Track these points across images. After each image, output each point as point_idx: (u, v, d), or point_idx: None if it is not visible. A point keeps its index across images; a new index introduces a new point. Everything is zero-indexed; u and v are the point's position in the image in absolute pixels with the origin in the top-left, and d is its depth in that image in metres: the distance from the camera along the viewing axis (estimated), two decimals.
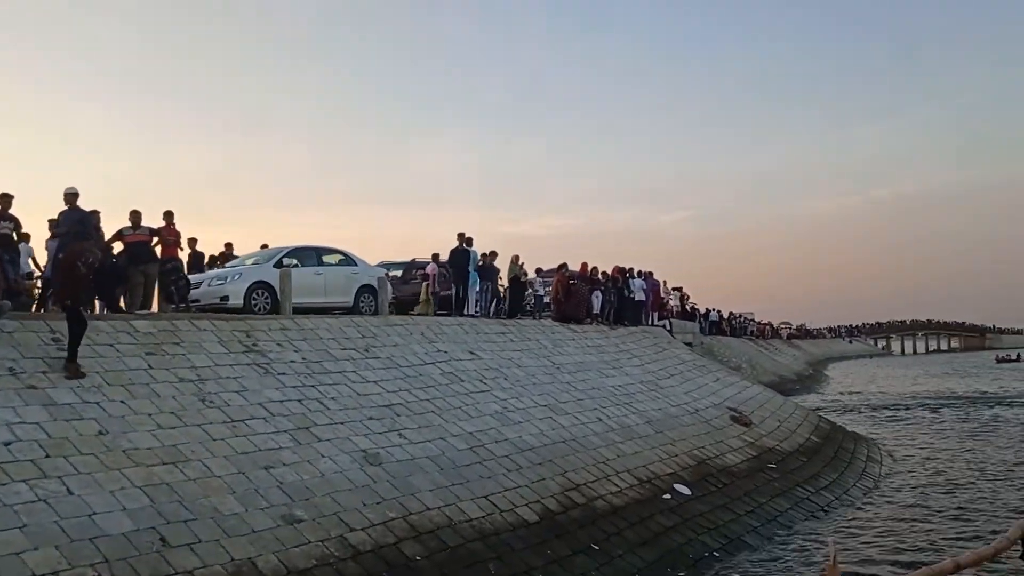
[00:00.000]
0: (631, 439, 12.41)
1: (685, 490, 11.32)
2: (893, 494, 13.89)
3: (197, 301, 12.73)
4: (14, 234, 10.57)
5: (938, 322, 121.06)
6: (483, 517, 8.70)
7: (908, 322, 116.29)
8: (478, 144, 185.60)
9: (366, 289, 14.63)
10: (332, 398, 9.88)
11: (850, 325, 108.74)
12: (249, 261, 13.92)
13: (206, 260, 14.81)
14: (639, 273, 22.53)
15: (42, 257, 11.79)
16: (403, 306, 16.97)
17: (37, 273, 11.77)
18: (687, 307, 35.92)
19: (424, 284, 17.35)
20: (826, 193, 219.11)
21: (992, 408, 27.85)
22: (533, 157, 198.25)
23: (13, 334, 8.41)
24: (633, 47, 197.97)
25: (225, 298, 12.72)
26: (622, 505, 10.21)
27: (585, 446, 11.50)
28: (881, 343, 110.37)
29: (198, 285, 12.98)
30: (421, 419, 10.31)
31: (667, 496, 10.94)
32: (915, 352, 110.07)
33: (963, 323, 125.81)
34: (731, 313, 50.40)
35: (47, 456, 6.87)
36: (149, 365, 8.90)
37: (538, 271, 19.47)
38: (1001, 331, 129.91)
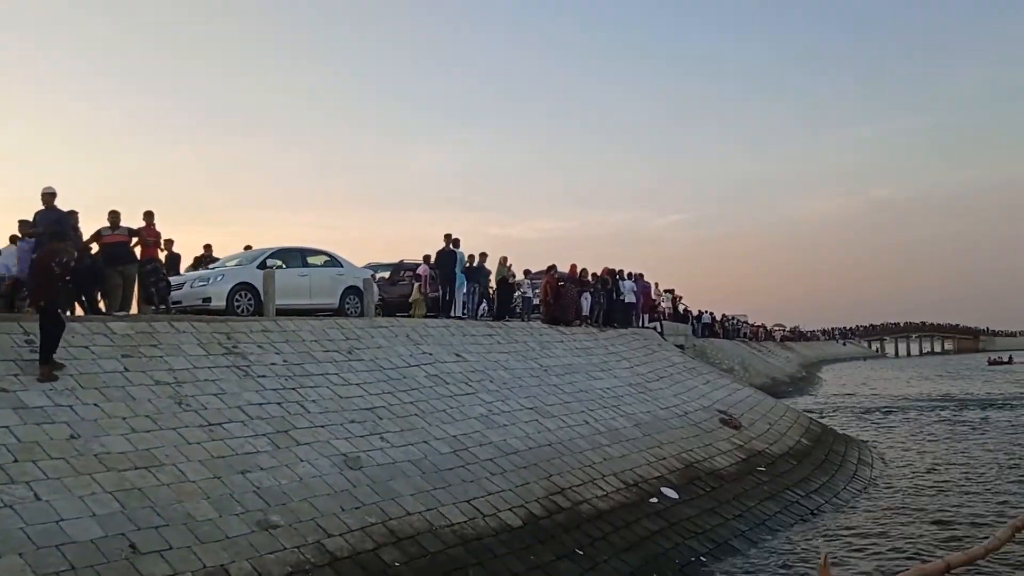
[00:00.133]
0: (618, 442, 12.28)
1: (672, 494, 11.20)
2: (884, 497, 13.80)
3: (179, 303, 12.57)
4: None
5: (932, 324, 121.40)
6: (465, 522, 8.56)
7: (902, 324, 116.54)
8: (471, 146, 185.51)
9: (352, 291, 14.48)
10: (313, 401, 9.73)
11: (844, 327, 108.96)
12: (232, 262, 13.75)
13: (191, 262, 14.64)
14: (629, 275, 22.40)
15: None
16: (391, 308, 16.83)
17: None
18: (679, 309, 35.84)
19: (416, 285, 17.21)
20: (821, 195, 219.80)
21: (983, 410, 27.83)
22: (526, 160, 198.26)
23: None
24: (628, 50, 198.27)
25: (207, 300, 12.55)
26: (608, 509, 10.08)
27: (571, 449, 11.37)
28: (875, 345, 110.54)
29: (180, 286, 12.82)
30: (404, 422, 10.17)
31: (654, 500, 10.82)
32: (909, 354, 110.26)
33: (957, 325, 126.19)
34: (724, 315, 50.34)
35: (15, 460, 6.71)
36: (125, 367, 8.74)
37: (526, 273, 19.33)
38: (995, 333, 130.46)
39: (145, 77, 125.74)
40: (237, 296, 12.69)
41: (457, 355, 13.08)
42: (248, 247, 15.10)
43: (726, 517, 11.04)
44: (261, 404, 9.16)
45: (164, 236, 12.69)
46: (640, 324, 22.63)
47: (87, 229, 11.37)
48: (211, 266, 14.09)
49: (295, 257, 14.22)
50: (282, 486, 7.86)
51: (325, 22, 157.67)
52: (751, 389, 20.95)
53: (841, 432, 20.02)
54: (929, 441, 20.57)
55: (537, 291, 19.16)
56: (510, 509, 9.16)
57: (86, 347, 8.82)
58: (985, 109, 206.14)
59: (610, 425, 12.87)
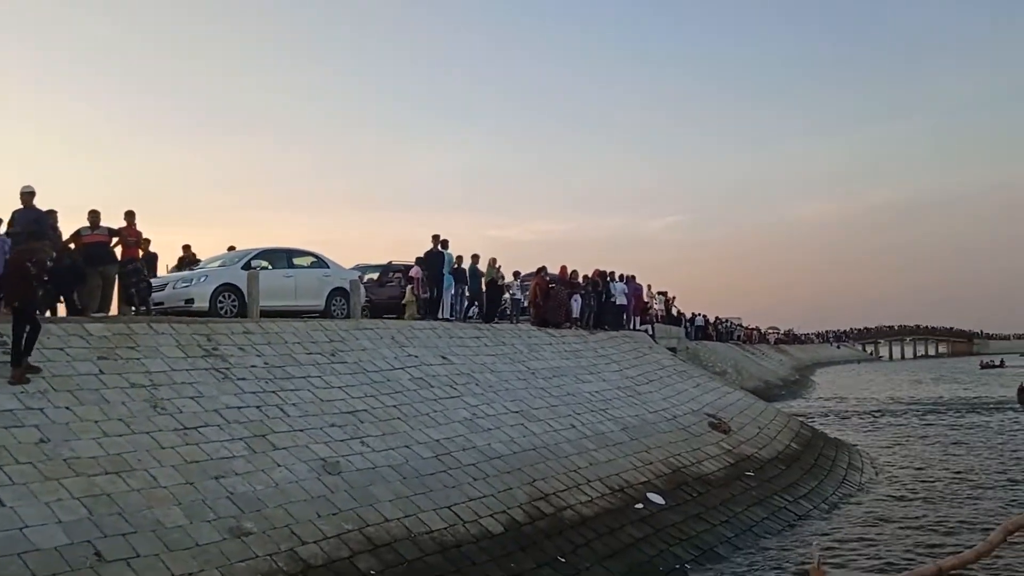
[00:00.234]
0: (605, 446, 12.16)
1: (659, 499, 11.08)
2: (874, 502, 13.70)
3: (161, 304, 12.41)
4: None
5: (926, 327, 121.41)
6: (445, 528, 8.43)
7: (896, 327, 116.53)
8: (470, 147, 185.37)
9: (338, 292, 14.33)
10: (293, 404, 9.59)
11: (838, 330, 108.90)
12: (215, 263, 13.60)
13: (175, 263, 14.47)
14: (621, 277, 22.28)
15: None
16: (379, 310, 16.65)
17: None
18: (673, 312, 35.73)
19: (409, 287, 17.06)
20: (816, 198, 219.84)
21: (974, 414, 27.80)
22: (525, 161, 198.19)
23: None
24: (627, 52, 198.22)
25: (190, 301, 12.40)
26: (592, 515, 9.95)
27: (556, 454, 11.24)
28: (869, 348, 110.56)
29: (162, 288, 12.67)
30: (386, 426, 10.03)
31: (639, 506, 10.69)
32: (903, 357, 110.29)
33: (951, 328, 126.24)
34: (717, 318, 50.23)
35: None
36: (100, 370, 8.60)
37: (516, 274, 19.20)
38: (989, 336, 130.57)
39: (145, 77, 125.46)
40: (221, 297, 12.53)
41: (443, 357, 12.95)
42: (231, 248, 14.94)
43: (712, 523, 10.92)
44: (239, 408, 9.02)
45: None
46: (631, 327, 22.52)
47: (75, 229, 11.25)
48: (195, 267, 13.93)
49: (280, 258, 14.07)
50: (257, 492, 7.72)
51: (325, 22, 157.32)
52: (742, 392, 20.85)
53: (832, 436, 19.92)
54: (919, 445, 20.50)
55: (527, 293, 19.03)
56: (491, 515, 9.03)
57: (61, 349, 8.68)
58: (981, 112, 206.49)
59: (597, 429, 12.75)
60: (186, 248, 14.82)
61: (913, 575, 4.43)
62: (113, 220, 11.63)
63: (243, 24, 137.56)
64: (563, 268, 19.43)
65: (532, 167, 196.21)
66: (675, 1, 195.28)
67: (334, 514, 7.87)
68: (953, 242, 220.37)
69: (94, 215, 10.90)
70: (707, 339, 42.35)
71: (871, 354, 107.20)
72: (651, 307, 27.21)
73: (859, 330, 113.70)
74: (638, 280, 24.04)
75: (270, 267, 13.70)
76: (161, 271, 13.84)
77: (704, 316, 45.06)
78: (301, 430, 9.11)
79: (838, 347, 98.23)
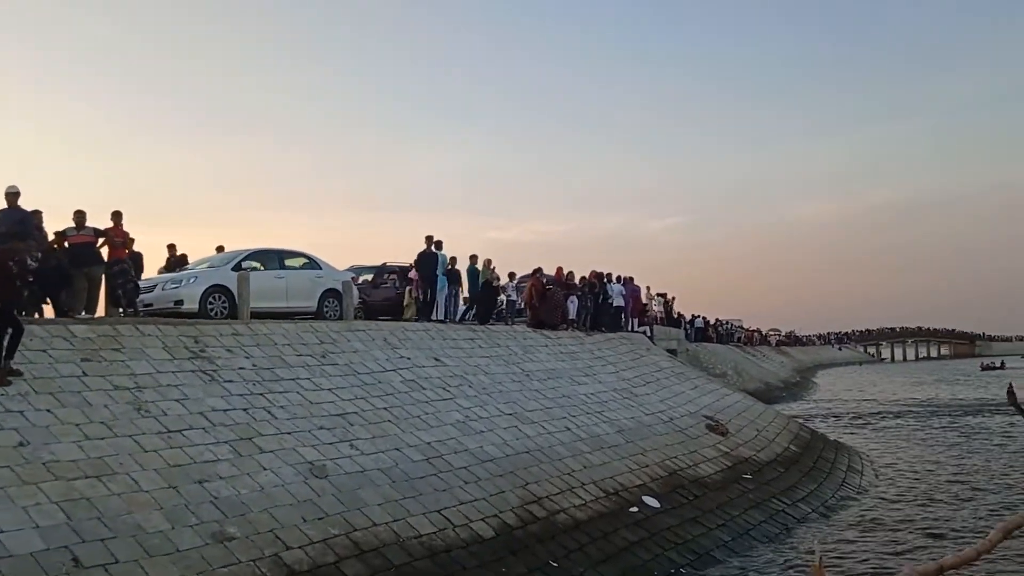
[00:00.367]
0: (600, 449, 12.01)
1: (654, 502, 10.92)
2: (873, 505, 13.54)
3: (150, 305, 12.27)
4: None
5: (928, 329, 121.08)
6: (434, 533, 8.28)
7: (898, 329, 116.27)
8: (470, 147, 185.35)
9: (331, 293, 14.18)
10: (281, 407, 9.44)
11: (839, 332, 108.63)
12: (205, 264, 13.46)
13: (163, 264, 14.32)
14: (618, 278, 22.13)
15: None
16: (373, 311, 16.51)
17: None
18: (673, 313, 35.53)
19: (408, 288, 16.94)
20: (817, 199, 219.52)
21: (974, 416, 27.64)
22: (524, 162, 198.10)
23: None
24: (627, 52, 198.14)
25: (180, 302, 12.26)
26: (586, 519, 9.80)
27: (550, 456, 11.09)
28: (871, 350, 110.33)
29: (151, 289, 12.53)
30: (376, 428, 9.88)
31: (634, 509, 10.54)
32: (905, 359, 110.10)
33: (953, 330, 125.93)
34: (717, 320, 50.07)
35: None
36: (83, 372, 8.46)
37: (511, 276, 19.06)
38: (991, 338, 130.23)
39: (145, 77, 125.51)
40: (211, 299, 12.39)
41: (436, 359, 12.80)
42: (220, 248, 14.80)
43: (709, 527, 10.76)
44: (225, 410, 8.88)
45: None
46: (629, 328, 22.36)
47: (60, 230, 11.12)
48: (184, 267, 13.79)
49: (272, 259, 13.93)
50: (241, 496, 7.57)
51: (325, 22, 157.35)
52: (741, 394, 20.68)
53: (832, 438, 19.75)
54: (919, 447, 20.34)
55: (522, 294, 18.88)
56: (483, 519, 8.88)
57: (44, 351, 8.54)
58: (981, 113, 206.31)
59: (592, 431, 12.59)
60: (171, 248, 14.65)
61: (914, 572, 4.45)
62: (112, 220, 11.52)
63: (243, 24, 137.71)
64: (559, 269, 19.28)
65: (532, 168, 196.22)
66: (675, 1, 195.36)
67: (320, 518, 7.73)
68: (954, 243, 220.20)
69: (79, 215, 10.77)
70: (707, 341, 42.17)
71: (873, 356, 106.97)
72: (650, 309, 27.03)
73: (861, 332, 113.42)
74: (637, 281, 23.91)
75: (261, 268, 13.56)
76: (151, 272, 13.70)
77: (704, 318, 44.88)
78: (288, 433, 8.96)
79: (839, 349, 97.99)
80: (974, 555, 5.00)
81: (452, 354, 13.32)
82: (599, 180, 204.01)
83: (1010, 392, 8.80)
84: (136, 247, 12.42)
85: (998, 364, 68.26)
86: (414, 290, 16.68)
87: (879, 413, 29.75)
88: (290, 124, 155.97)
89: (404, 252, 16.40)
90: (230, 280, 12.48)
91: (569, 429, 12.31)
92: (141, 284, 12.42)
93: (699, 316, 43.65)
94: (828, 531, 11.66)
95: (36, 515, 6.31)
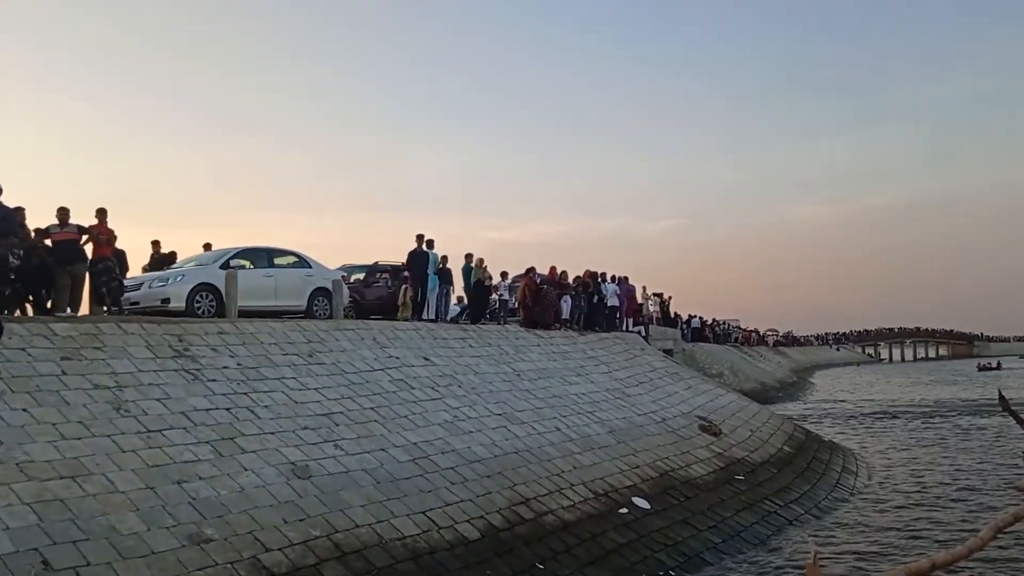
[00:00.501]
0: (590, 449, 11.88)
1: (644, 504, 10.80)
2: (867, 506, 13.43)
3: (137, 304, 12.14)
4: None
5: (926, 330, 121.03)
6: (418, 535, 8.15)
7: (896, 330, 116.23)
8: (470, 148, 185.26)
9: (321, 292, 14.06)
10: (265, 406, 9.31)
11: (837, 333, 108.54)
12: (192, 263, 13.33)
13: (148, 261, 14.16)
14: (613, 278, 22.01)
15: None
16: (365, 310, 16.38)
17: None
18: (670, 313, 35.40)
19: (404, 287, 16.80)
20: (816, 200, 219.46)
21: (969, 416, 27.57)
22: (524, 163, 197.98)
23: None
24: (627, 54, 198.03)
25: (166, 300, 12.13)
26: (574, 520, 9.67)
27: (539, 457, 10.96)
28: (869, 350, 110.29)
29: (138, 287, 12.40)
30: (362, 428, 9.76)
31: (624, 510, 10.41)
32: (903, 360, 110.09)
33: (951, 331, 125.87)
34: (714, 320, 49.98)
35: None
36: (63, 371, 8.33)
37: (503, 275, 18.94)
38: (989, 339, 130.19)
39: (145, 77, 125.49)
40: (198, 297, 12.26)
41: (425, 359, 12.68)
42: (208, 245, 14.67)
43: (699, 528, 10.64)
44: (208, 410, 8.75)
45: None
46: (624, 328, 22.24)
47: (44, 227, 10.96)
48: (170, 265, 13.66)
49: (261, 257, 13.80)
50: (221, 497, 7.44)
51: (325, 22, 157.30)
52: (735, 395, 20.56)
53: (827, 439, 19.64)
54: (914, 447, 20.24)
55: (515, 294, 18.77)
56: (468, 520, 8.75)
57: (23, 349, 8.41)
58: (981, 113, 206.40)
59: (583, 432, 12.47)
60: (155, 244, 14.51)
61: (907, 570, 4.44)
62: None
63: (243, 24, 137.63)
64: (552, 269, 19.16)
65: (531, 168, 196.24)
66: (675, 3, 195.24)
67: (301, 520, 7.59)
68: (953, 243, 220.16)
69: (63, 212, 10.63)
70: (704, 341, 42.08)
71: (871, 356, 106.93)
72: (645, 308, 26.90)
73: (859, 332, 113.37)
74: (635, 281, 23.84)
75: (251, 266, 13.43)
76: (136, 270, 13.56)
77: (701, 318, 44.80)
78: (272, 433, 8.83)
79: (837, 349, 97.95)
80: (966, 553, 5.00)
81: (442, 354, 13.19)
82: (599, 181, 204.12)
83: (1002, 397, 8.75)
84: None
85: (994, 364, 68.36)
86: (410, 289, 16.55)
87: (875, 413, 29.65)
88: (290, 124, 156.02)
89: (403, 252, 16.25)
90: (218, 278, 12.35)
91: (559, 429, 12.18)
92: (127, 282, 12.29)
93: (696, 316, 43.58)
94: (821, 532, 11.55)
95: (6, 517, 6.17)
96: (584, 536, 9.39)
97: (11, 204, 9.96)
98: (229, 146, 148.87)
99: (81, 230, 10.90)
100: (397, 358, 12.22)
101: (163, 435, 7.98)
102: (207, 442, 8.17)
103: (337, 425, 9.60)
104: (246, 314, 12.29)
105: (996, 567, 9.47)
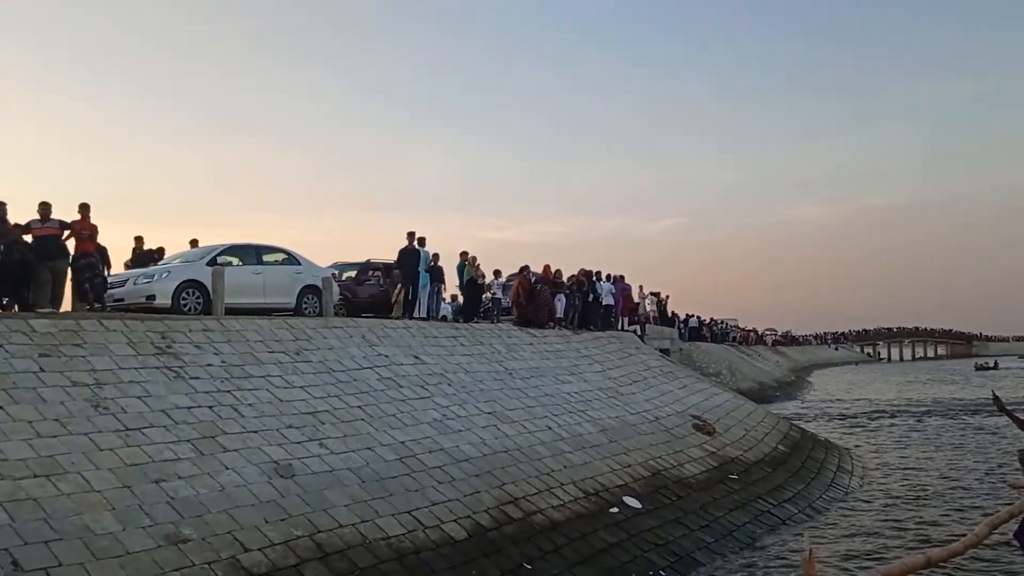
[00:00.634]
0: (581, 448, 11.75)
1: (635, 503, 10.66)
2: (861, 505, 13.30)
3: (121, 300, 11.98)
4: None
5: (925, 329, 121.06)
6: (403, 535, 8.01)
7: (895, 329, 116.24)
8: (466, 150, 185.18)
9: (310, 289, 13.91)
10: (249, 404, 9.17)
11: (836, 332, 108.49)
12: (178, 259, 13.17)
13: (130, 257, 14.00)
14: (608, 276, 21.87)
15: None
16: (357, 308, 16.23)
17: None
18: (667, 312, 35.26)
19: (399, 285, 16.67)
20: (816, 200, 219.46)
21: (966, 416, 27.46)
22: (522, 163, 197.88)
23: None
24: (625, 54, 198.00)
25: (151, 297, 11.96)
26: (563, 520, 9.54)
27: (529, 456, 10.82)
28: (868, 350, 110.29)
29: (123, 283, 12.24)
30: (348, 427, 9.61)
31: (614, 510, 10.28)
32: (902, 359, 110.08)
33: (950, 330, 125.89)
34: (712, 319, 49.84)
35: None
36: (40, 368, 8.18)
37: (496, 273, 18.78)
38: (988, 338, 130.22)
39: (145, 77, 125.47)
40: (184, 294, 12.10)
41: (415, 357, 12.53)
42: (194, 242, 14.51)
43: (691, 528, 10.51)
44: (189, 408, 8.60)
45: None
46: (620, 327, 22.09)
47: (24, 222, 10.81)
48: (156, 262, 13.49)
49: (249, 254, 13.63)
50: (200, 496, 7.30)
51: (325, 23, 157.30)
52: (731, 394, 20.43)
53: (823, 438, 19.50)
54: (911, 446, 20.13)
55: (507, 293, 18.62)
56: (455, 520, 8.61)
57: (0, 345, 8.26)
58: (981, 114, 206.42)
59: (574, 431, 12.33)
60: (138, 240, 14.34)
61: (903, 565, 4.45)
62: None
63: (243, 24, 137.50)
64: (546, 267, 19.01)
65: (531, 168, 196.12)
66: (675, 3, 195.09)
67: (283, 520, 7.45)
68: (952, 243, 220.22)
69: (44, 207, 10.49)
70: (702, 340, 41.94)
71: (870, 356, 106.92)
72: (644, 307, 26.73)
73: (858, 332, 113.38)
74: (634, 281, 23.70)
75: (239, 263, 13.28)
76: (118, 267, 13.39)
77: (699, 317, 44.67)
78: (255, 431, 8.69)
79: (836, 349, 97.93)
80: (961, 549, 5.03)
81: (432, 352, 13.05)
82: (599, 181, 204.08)
83: (995, 397, 8.69)
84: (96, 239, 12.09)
85: (991, 364, 68.51)
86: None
87: (872, 413, 29.53)
88: (290, 124, 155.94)
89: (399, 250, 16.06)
90: (204, 275, 12.19)
91: (550, 428, 12.05)
92: (112, 279, 12.14)
93: (694, 315, 43.46)
94: (815, 531, 11.41)
95: None
96: (573, 536, 9.26)
97: None
98: (229, 146, 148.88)
99: (63, 225, 10.76)
100: (386, 356, 12.08)
101: (142, 433, 7.83)
102: (188, 440, 8.02)
103: (323, 424, 9.45)
104: (234, 312, 12.14)
105: (992, 564, 9.39)
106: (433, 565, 7.75)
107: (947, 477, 15.52)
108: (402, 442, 9.77)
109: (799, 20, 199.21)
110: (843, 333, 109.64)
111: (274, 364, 10.38)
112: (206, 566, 6.51)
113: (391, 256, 16.70)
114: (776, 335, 78.69)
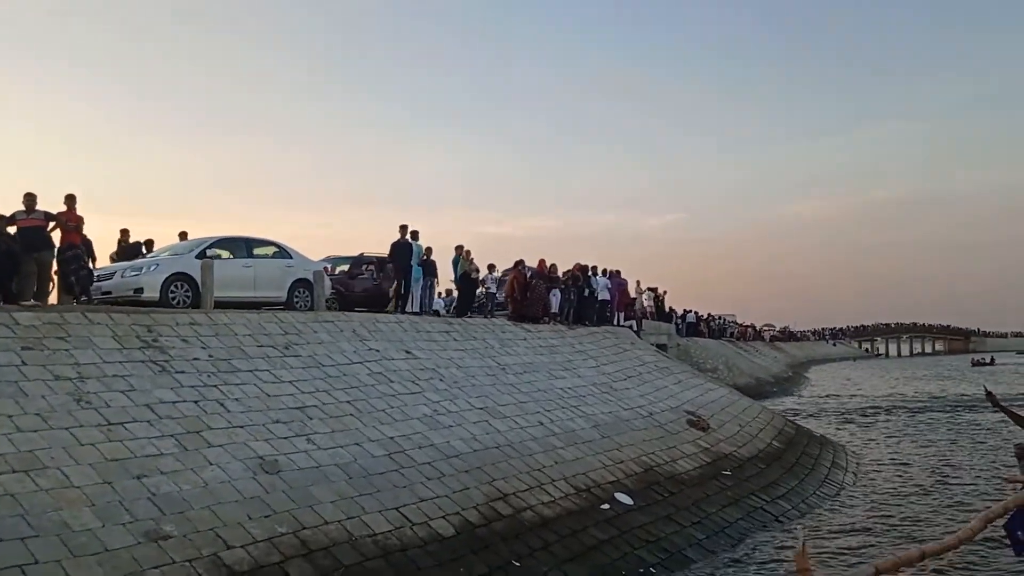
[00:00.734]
0: (573, 444, 11.64)
1: (627, 499, 10.56)
2: (855, 501, 13.23)
3: (109, 293, 11.85)
4: None
5: (923, 325, 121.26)
6: (390, 531, 7.91)
7: (893, 325, 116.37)
8: (465, 149, 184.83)
9: (302, 283, 13.77)
10: (235, 399, 9.05)
11: (834, 328, 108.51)
12: (167, 252, 13.03)
13: (115, 249, 13.85)
14: (604, 271, 21.74)
15: None
16: (350, 303, 16.10)
17: None
18: (664, 307, 35.13)
19: (395, 280, 16.53)
20: (816, 197, 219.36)
21: (961, 411, 27.42)
22: (521, 161, 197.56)
23: None
24: (620, 50, 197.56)
25: (139, 290, 11.83)
26: (554, 516, 9.43)
27: (521, 452, 10.72)
28: (866, 346, 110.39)
29: (110, 276, 12.10)
30: (336, 423, 9.50)
31: (606, 506, 10.18)
32: (899, 355, 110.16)
33: (948, 326, 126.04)
34: (709, 314, 49.74)
35: None
36: (23, 361, 8.06)
37: (491, 267, 18.65)
38: (986, 334, 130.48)
39: (145, 77, 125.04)
40: (172, 287, 11.97)
41: (407, 352, 12.42)
42: (183, 234, 14.36)
43: (683, 524, 10.41)
44: (174, 402, 8.49)
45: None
46: (615, 322, 21.97)
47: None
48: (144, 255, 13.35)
49: (240, 247, 13.49)
50: (183, 492, 7.19)
51: (325, 23, 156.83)
52: (726, 389, 20.33)
53: (818, 434, 19.42)
54: (905, 442, 20.07)
55: (502, 287, 18.49)
56: (443, 517, 8.51)
57: None
58: (980, 112, 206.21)
59: (567, 427, 12.22)
60: (124, 232, 14.19)
61: (898, 559, 4.47)
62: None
63: (243, 24, 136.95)
64: (541, 261, 18.85)
65: (531, 168, 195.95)
66: (675, 3, 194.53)
67: (267, 516, 7.34)
68: (951, 241, 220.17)
69: (29, 198, 10.34)
70: (699, 336, 41.85)
71: (868, 352, 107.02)
72: (638, 303, 26.61)
73: (856, 328, 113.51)
74: (632, 276, 23.54)
75: (229, 256, 13.14)
76: (103, 259, 13.23)
77: (696, 312, 44.58)
78: (241, 427, 8.57)
79: (834, 344, 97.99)
80: (955, 543, 5.05)
81: (424, 347, 12.93)
82: (599, 180, 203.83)
83: (989, 393, 8.65)
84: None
85: (988, 360, 68.83)
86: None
87: (869, 408, 29.47)
88: (290, 124, 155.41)
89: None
90: (193, 268, 12.06)
91: (543, 424, 11.94)
92: (100, 271, 12.00)
93: (691, 311, 43.36)
94: (807, 527, 11.31)
95: None
96: (564, 532, 9.16)
97: None
98: (229, 146, 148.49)
99: (48, 217, 10.61)
100: (377, 351, 11.96)
101: (125, 428, 7.72)
102: (171, 435, 7.91)
103: (310, 419, 9.34)
104: (223, 305, 12.01)
105: (985, 559, 9.36)
106: (420, 562, 7.65)
107: (941, 472, 15.47)
108: (391, 438, 9.66)
109: (799, 20, 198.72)
110: (841, 329, 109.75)
111: (262, 358, 10.26)
112: (187, 563, 6.40)
113: (384, 250, 16.59)
114: (774, 331, 78.67)
